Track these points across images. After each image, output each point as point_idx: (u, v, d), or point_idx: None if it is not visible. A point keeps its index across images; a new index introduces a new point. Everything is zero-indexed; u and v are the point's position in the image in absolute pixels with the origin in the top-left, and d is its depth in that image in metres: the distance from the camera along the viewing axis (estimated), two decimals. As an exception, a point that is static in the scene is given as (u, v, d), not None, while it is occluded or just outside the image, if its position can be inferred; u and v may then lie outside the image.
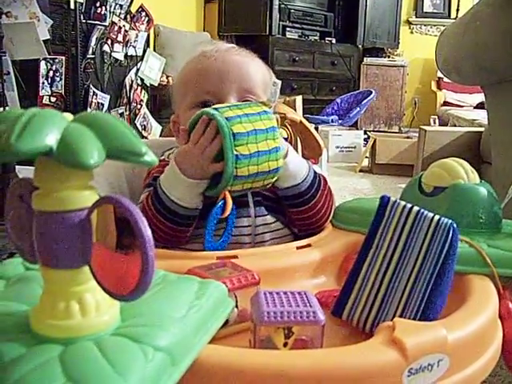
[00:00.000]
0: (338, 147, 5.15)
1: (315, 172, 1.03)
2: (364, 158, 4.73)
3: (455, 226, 0.71)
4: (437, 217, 0.71)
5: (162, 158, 1.08)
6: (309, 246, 0.92)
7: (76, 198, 0.48)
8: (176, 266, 0.75)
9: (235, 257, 0.83)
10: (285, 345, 0.63)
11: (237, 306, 0.71)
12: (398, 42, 6.96)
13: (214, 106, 0.91)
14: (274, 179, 0.93)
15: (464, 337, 0.64)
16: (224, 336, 0.68)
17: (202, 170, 0.90)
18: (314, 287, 0.85)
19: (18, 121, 0.44)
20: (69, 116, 0.48)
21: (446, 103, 6.40)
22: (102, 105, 3.18)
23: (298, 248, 0.90)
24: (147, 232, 0.43)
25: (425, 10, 7.12)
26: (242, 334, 0.69)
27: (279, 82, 1.04)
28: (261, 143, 0.88)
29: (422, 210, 0.72)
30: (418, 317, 0.68)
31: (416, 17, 7.15)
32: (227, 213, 0.93)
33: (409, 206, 0.73)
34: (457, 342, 0.62)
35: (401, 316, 0.69)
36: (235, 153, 0.86)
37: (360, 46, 6.69)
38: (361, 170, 4.64)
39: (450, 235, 0.70)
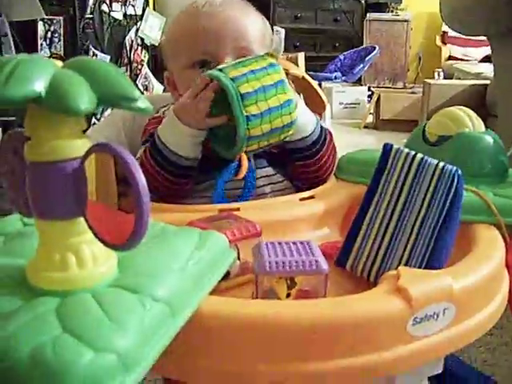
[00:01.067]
0: (341, 103, 5.11)
1: (321, 125, 1.02)
2: (368, 114, 4.69)
3: (460, 173, 0.69)
4: (441, 164, 0.70)
5: (158, 114, 1.06)
6: (312, 197, 0.90)
7: (68, 146, 0.46)
8: (176, 218, 0.74)
9: (237, 209, 0.82)
10: (288, 296, 0.62)
11: (239, 258, 0.70)
12: (402, -4, 6.84)
13: (218, 67, 0.88)
14: (291, 132, 0.91)
15: (470, 285, 0.63)
16: (225, 289, 0.67)
17: (198, 123, 0.89)
18: (317, 239, 0.83)
19: (4, 67, 0.43)
20: (58, 62, 0.47)
21: (450, 58, 6.30)
22: (102, 65, 3.14)
23: (301, 200, 0.89)
24: (140, 177, 0.42)
25: (429, -38, 6.97)
26: (244, 287, 0.68)
27: (282, 30, 1.00)
28: (271, 99, 0.85)
29: (426, 157, 0.71)
30: (423, 265, 0.67)
31: (420, -31, 7.00)
32: (242, 175, 0.93)
33: (412, 153, 0.71)
34: (462, 290, 0.61)
35: (406, 265, 0.67)
36: (245, 114, 0.83)
37: (363, 1, 6.57)
38: (365, 127, 4.61)
39: (455, 182, 0.68)
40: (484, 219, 0.80)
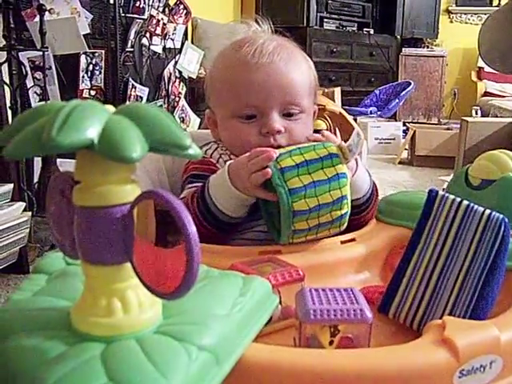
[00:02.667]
0: (376, 139, 5.10)
1: (371, 177, 1.03)
2: (403, 149, 4.67)
3: (507, 220, 0.68)
4: (487, 211, 0.69)
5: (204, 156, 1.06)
6: (353, 240, 0.89)
7: (118, 192, 0.46)
8: (217, 261, 0.74)
9: (279, 252, 0.81)
10: (330, 343, 0.61)
11: (280, 303, 0.69)
12: (437, 32, 6.85)
13: (276, 151, 0.85)
14: (343, 228, 0.88)
15: (518, 337, 0.61)
16: (267, 333, 0.67)
17: (247, 190, 0.88)
18: (358, 283, 0.82)
19: (59, 113, 0.43)
20: (110, 108, 0.47)
21: (486, 93, 6.27)
22: (141, 98, 3.19)
23: (342, 242, 0.88)
24: (191, 227, 0.42)
25: (465, -2, 6.98)
26: (286, 332, 0.67)
27: (360, 132, 0.96)
28: (322, 196, 0.82)
29: (472, 205, 0.70)
30: (468, 315, 0.65)
31: (456, 5, 7.01)
32: None
33: (458, 199, 0.70)
34: (510, 342, 0.59)
35: (450, 314, 0.66)
36: (292, 209, 0.81)
37: (398, 37, 6.60)
38: (400, 162, 4.59)
39: (502, 230, 0.67)
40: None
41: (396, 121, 5.82)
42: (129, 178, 0.48)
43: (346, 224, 0.88)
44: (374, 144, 5.05)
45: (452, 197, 0.71)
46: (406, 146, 4.65)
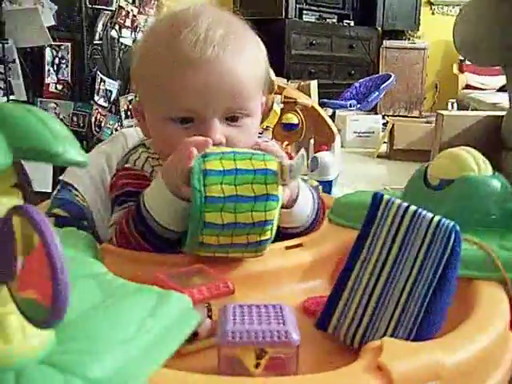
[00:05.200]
0: (355, 132, 5.05)
1: (319, 202, 0.92)
2: (382, 143, 4.62)
3: (458, 228, 0.61)
4: (437, 217, 0.62)
5: (128, 165, 0.94)
6: (300, 245, 0.83)
7: (-17, 205, 0.40)
8: (141, 271, 0.67)
9: (213, 259, 0.75)
10: (257, 366, 0.55)
11: (210, 317, 0.63)
12: (419, 24, 6.80)
13: (205, 152, 0.74)
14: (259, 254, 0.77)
15: (465, 360, 0.55)
16: (193, 352, 0.61)
17: (177, 188, 0.77)
18: (304, 292, 0.76)
19: None
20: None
21: (468, 86, 6.23)
22: (111, 92, 3.11)
23: (287, 248, 0.82)
24: (58, 255, 0.35)
25: (446, -10, 6.94)
26: (214, 350, 0.61)
27: (305, 154, 0.80)
28: (242, 214, 0.71)
29: (421, 210, 0.63)
30: (412, 334, 0.59)
31: (437, -3, 6.97)
32: None
33: (405, 204, 0.64)
34: (456, 366, 0.54)
35: (393, 332, 0.60)
36: (203, 219, 0.70)
37: (379, 29, 6.55)
38: (378, 156, 4.54)
39: (452, 239, 0.61)
40: (487, 275, 0.72)
41: (376, 114, 5.77)
42: (1, 191, 0.41)
43: (264, 251, 0.76)
44: (352, 137, 5.00)
45: (398, 201, 0.64)
46: (385, 140, 4.60)
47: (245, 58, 0.86)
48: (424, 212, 0.63)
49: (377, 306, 0.62)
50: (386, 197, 0.65)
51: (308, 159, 2.42)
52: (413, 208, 0.64)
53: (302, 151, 0.71)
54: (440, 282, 0.60)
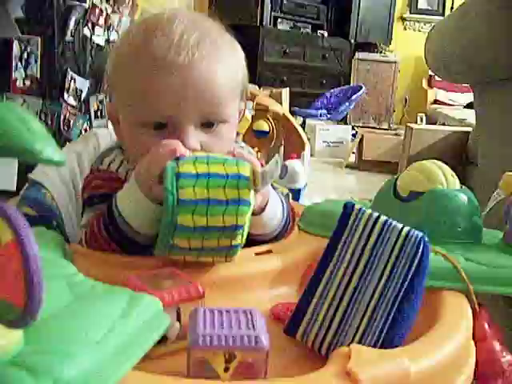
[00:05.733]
0: (324, 142, 5.07)
1: (288, 209, 0.92)
2: (351, 153, 4.66)
3: (426, 239, 0.63)
4: (406, 228, 0.63)
5: (102, 166, 0.92)
6: (270, 251, 0.84)
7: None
8: (112, 273, 0.67)
9: (183, 263, 0.75)
10: (226, 369, 0.55)
11: (179, 321, 0.63)
12: (391, 38, 6.88)
13: (179, 156, 0.73)
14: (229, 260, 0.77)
15: (431, 366, 0.56)
16: (162, 355, 0.60)
17: (149, 189, 0.76)
18: (273, 298, 0.77)
19: None
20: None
21: (436, 101, 6.33)
22: (81, 90, 3.08)
23: (256, 254, 0.82)
24: (34, 255, 0.35)
25: (419, 7, 7.04)
26: (183, 353, 0.61)
27: (279, 160, 0.78)
28: (213, 217, 0.71)
29: (390, 221, 0.64)
30: (379, 341, 0.60)
31: (410, 13, 7.07)
32: None
33: (375, 214, 0.65)
34: (422, 373, 0.54)
35: (361, 339, 0.60)
36: (175, 222, 0.70)
37: (352, 41, 6.61)
38: (347, 166, 4.57)
39: (421, 249, 0.62)
40: (452, 286, 0.74)
41: (346, 124, 5.82)
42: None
43: (234, 257, 0.76)
44: (321, 147, 5.02)
45: (369, 211, 0.65)
46: (354, 150, 4.64)
47: (221, 62, 0.85)
48: (394, 222, 0.64)
49: (345, 313, 0.62)
50: (357, 206, 0.66)
51: (282, 172, 2.43)
52: (383, 218, 0.65)
53: (277, 157, 0.72)
54: (408, 291, 0.61)
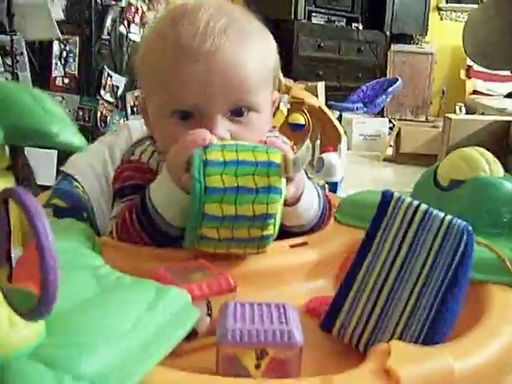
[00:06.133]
0: (361, 135, 5.02)
1: (325, 200, 0.88)
2: (388, 146, 4.59)
3: (470, 228, 0.59)
4: (449, 217, 0.60)
5: (134, 157, 0.91)
6: (305, 244, 0.80)
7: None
8: (141, 265, 0.65)
9: (216, 255, 0.72)
10: (257, 366, 0.52)
11: (210, 315, 0.61)
12: (427, 29, 6.77)
13: (208, 144, 0.71)
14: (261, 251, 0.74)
15: (476, 365, 0.53)
16: (191, 350, 0.58)
17: (178, 178, 0.74)
18: (308, 292, 0.74)
19: None
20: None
21: (475, 92, 6.21)
22: (117, 87, 3.09)
23: (291, 246, 0.79)
24: (47, 239, 0.33)
25: (456, -4, 6.91)
26: (213, 349, 0.58)
27: (310, 146, 0.74)
28: (242, 206, 0.68)
29: (431, 209, 0.61)
30: (421, 337, 0.56)
31: (446, 2, 6.94)
32: None
33: (416, 202, 0.61)
34: (467, 372, 0.51)
35: (401, 335, 0.57)
36: (202, 211, 0.68)
37: (387, 33, 6.52)
38: (384, 159, 4.51)
39: (464, 240, 0.58)
40: (499, 279, 0.70)
41: (383, 117, 5.74)
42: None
43: (267, 248, 0.73)
44: (358, 140, 4.97)
45: (409, 199, 0.62)
46: (391, 143, 4.57)
47: (250, 47, 0.82)
48: (435, 211, 0.61)
49: (384, 307, 0.59)
50: (396, 195, 0.62)
51: (314, 160, 2.39)
52: (424, 206, 0.61)
53: (307, 142, 0.69)
54: (451, 284, 0.57)
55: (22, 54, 2.64)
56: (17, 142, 0.36)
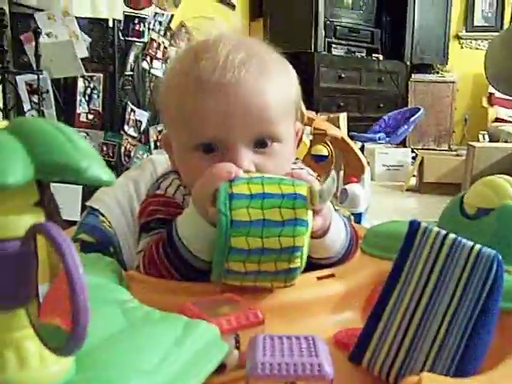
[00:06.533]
0: (384, 165, 5.02)
1: (351, 231, 0.88)
2: (411, 176, 4.58)
3: (500, 257, 0.58)
4: (478, 246, 0.59)
5: (159, 191, 0.91)
6: (332, 276, 0.80)
7: (4, 225, 0.38)
8: (169, 299, 0.65)
9: (243, 289, 0.72)
10: (288, 400, 0.52)
11: (238, 348, 0.60)
12: (447, 58, 6.80)
13: (234, 177, 0.71)
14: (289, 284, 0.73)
15: (510, 398, 0.52)
16: (220, 384, 0.58)
17: (205, 211, 0.74)
18: (336, 324, 0.73)
19: None
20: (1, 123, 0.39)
21: (497, 119, 6.18)
22: (141, 122, 3.13)
23: (318, 278, 0.79)
24: (77, 272, 0.33)
25: (475, 24, 6.93)
26: (242, 383, 0.58)
27: (335, 176, 0.74)
28: (268, 239, 0.67)
29: (460, 238, 0.60)
30: (452, 369, 0.55)
31: (466, 31, 6.97)
32: None
33: (443, 232, 0.61)
34: (500, 404, 0.50)
35: (431, 367, 0.56)
36: (228, 244, 0.67)
37: (408, 63, 6.55)
38: (408, 189, 4.49)
39: (494, 269, 0.57)
40: (530, 308, 0.68)
41: (405, 147, 5.74)
42: (22, 208, 0.39)
43: (294, 280, 0.72)
44: (381, 170, 4.96)
45: (436, 229, 0.61)
46: (415, 173, 4.56)
47: (269, 78, 0.82)
48: (464, 240, 0.60)
49: (414, 338, 0.58)
50: (423, 224, 0.62)
51: (338, 191, 2.39)
52: (452, 236, 0.60)
53: (333, 173, 0.69)
54: (481, 314, 0.56)
55: (47, 91, 2.70)
56: (46, 178, 0.37)
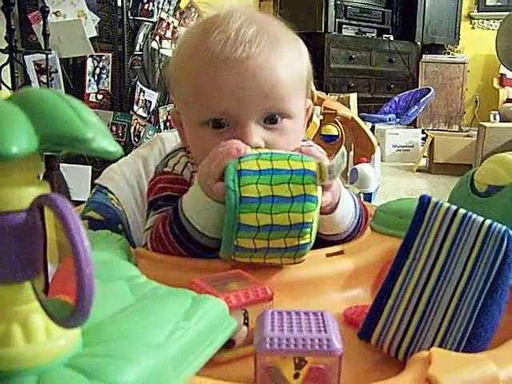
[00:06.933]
0: (394, 146, 4.99)
1: (361, 208, 0.87)
2: (422, 157, 4.56)
3: (511, 233, 0.57)
4: (488, 221, 0.58)
5: (167, 168, 0.90)
6: (341, 252, 0.79)
7: (8, 197, 0.37)
8: (177, 276, 0.65)
9: (253, 265, 0.72)
10: (296, 376, 0.51)
11: (247, 324, 0.60)
12: (459, 38, 6.73)
13: (243, 154, 0.71)
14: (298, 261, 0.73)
15: (520, 373, 0.51)
16: (228, 360, 0.58)
17: (209, 188, 0.73)
18: (345, 301, 0.73)
19: None
20: (4, 93, 0.38)
21: (509, 100, 6.12)
22: (150, 102, 3.13)
23: (328, 255, 0.78)
24: (83, 243, 0.33)
25: (487, 4, 6.84)
26: (251, 359, 0.58)
27: (345, 152, 0.73)
28: (278, 215, 0.67)
29: (470, 214, 0.59)
30: (462, 345, 0.55)
31: (478, 11, 6.88)
32: None
33: (454, 207, 0.60)
34: (510, 381, 0.49)
35: (441, 343, 0.56)
36: (238, 220, 0.67)
37: (419, 43, 6.49)
38: (418, 170, 4.47)
39: (505, 244, 0.57)
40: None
41: (416, 128, 5.70)
42: (26, 180, 0.38)
43: (304, 257, 0.72)
44: (391, 151, 4.94)
45: (447, 204, 0.60)
46: (425, 154, 4.53)
47: (282, 54, 0.80)
48: (474, 215, 0.59)
49: (423, 314, 0.58)
50: (433, 199, 0.61)
51: (348, 171, 2.38)
52: (462, 211, 0.60)
53: (342, 150, 0.68)
54: (492, 289, 0.56)
55: (56, 71, 2.69)
56: (52, 149, 0.36)
